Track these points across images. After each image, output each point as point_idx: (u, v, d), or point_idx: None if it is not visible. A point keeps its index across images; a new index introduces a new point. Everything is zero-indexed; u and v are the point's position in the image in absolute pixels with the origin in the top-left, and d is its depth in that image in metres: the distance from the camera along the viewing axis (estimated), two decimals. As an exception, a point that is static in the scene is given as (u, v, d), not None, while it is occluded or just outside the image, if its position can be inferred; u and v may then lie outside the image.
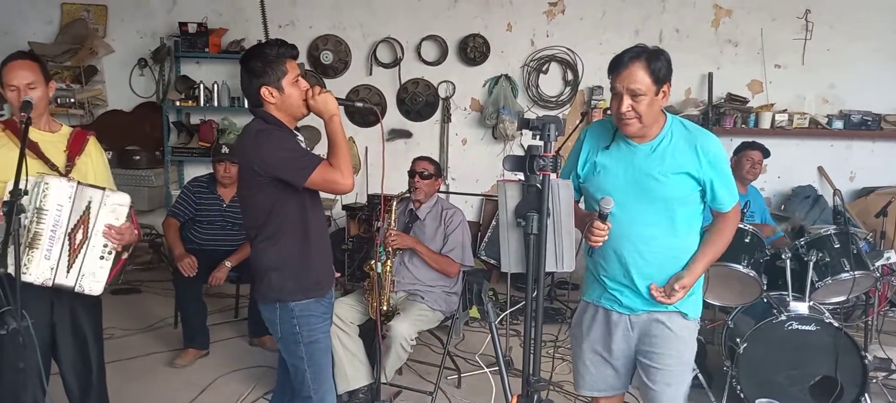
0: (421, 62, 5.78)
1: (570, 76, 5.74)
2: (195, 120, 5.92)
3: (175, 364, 3.85)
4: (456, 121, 5.88)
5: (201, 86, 5.65)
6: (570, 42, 5.71)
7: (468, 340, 4.37)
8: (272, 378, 3.75)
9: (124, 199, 2.24)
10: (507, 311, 4.04)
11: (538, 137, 1.70)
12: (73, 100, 5.73)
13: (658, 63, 1.97)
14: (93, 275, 2.21)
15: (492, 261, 5.61)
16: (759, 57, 5.62)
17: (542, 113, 5.80)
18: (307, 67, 5.79)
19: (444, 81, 5.82)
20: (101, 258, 2.22)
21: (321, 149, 2.49)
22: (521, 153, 6.02)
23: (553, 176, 1.66)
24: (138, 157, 5.68)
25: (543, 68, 5.75)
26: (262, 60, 2.15)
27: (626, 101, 1.96)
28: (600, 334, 2.27)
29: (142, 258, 5.76)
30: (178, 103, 5.72)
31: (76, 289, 2.20)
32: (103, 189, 2.23)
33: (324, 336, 2.37)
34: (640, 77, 1.94)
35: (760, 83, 5.66)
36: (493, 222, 5.70)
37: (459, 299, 3.62)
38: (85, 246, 2.19)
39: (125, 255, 2.32)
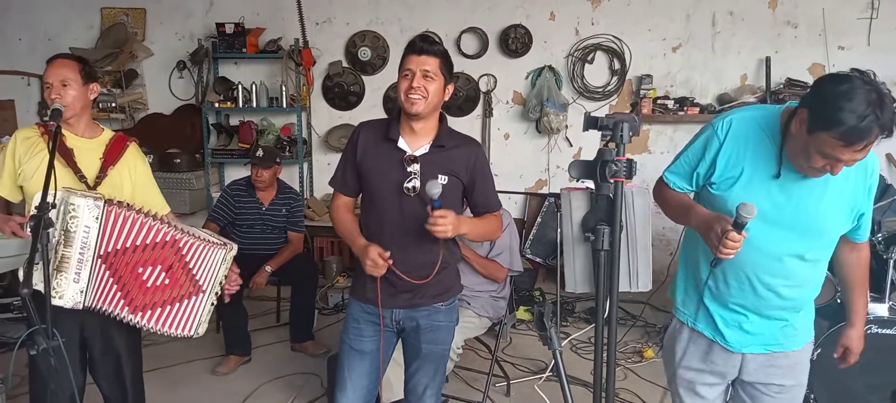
0: (461, 55, 5.59)
1: (616, 65, 5.48)
2: (234, 121, 5.87)
3: (216, 371, 3.79)
4: (498, 115, 5.68)
5: (240, 86, 5.59)
6: (616, 29, 5.45)
7: (515, 344, 4.20)
8: (315, 384, 3.66)
9: (235, 250, 2.29)
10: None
11: (609, 140, 1.45)
12: (114, 104, 5.75)
13: None
14: (204, 321, 2.28)
15: (538, 260, 5.41)
16: (821, 39, 5.27)
17: (587, 105, 5.56)
18: (344, 64, 5.68)
19: (485, 75, 5.63)
20: (212, 304, 2.28)
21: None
22: (568, 147, 5.63)
23: (628, 183, 1.45)
24: (179, 160, 5.66)
25: (589, 58, 5.50)
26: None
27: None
28: None
29: (184, 261, 5.75)
30: (217, 105, 5.67)
31: (194, 336, 2.26)
32: (225, 243, 2.23)
33: None
34: None
35: (823, 67, 5.30)
36: (538, 220, 5.50)
37: (507, 303, 3.46)
38: (207, 297, 2.24)
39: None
